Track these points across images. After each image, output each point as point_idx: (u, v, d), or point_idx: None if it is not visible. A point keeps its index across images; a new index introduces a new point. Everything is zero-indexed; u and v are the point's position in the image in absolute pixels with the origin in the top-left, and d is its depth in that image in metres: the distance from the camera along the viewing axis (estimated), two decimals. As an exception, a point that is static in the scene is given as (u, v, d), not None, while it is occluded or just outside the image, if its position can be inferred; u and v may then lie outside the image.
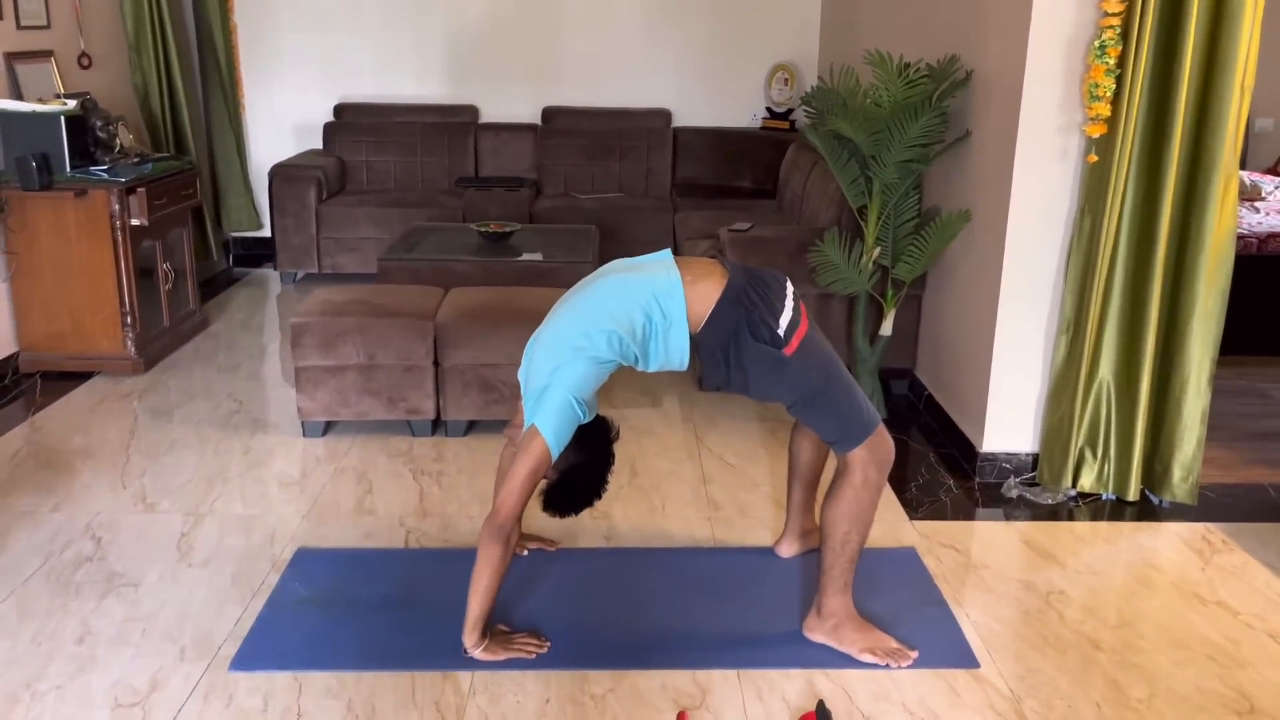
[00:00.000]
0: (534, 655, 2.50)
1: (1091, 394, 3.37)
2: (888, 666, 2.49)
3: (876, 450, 2.47)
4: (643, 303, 2.40)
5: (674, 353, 2.43)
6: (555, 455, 2.37)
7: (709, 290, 2.41)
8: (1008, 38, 3.35)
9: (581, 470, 2.48)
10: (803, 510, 2.95)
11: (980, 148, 3.62)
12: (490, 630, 2.51)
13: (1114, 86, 3.06)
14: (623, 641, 2.59)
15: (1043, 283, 3.39)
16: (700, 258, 2.56)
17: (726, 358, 2.42)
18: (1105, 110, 3.08)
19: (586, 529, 3.17)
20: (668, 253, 2.56)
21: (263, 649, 2.53)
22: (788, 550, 2.98)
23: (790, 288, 2.49)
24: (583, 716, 2.32)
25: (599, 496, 2.55)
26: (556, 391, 2.35)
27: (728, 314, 2.39)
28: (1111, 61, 3.05)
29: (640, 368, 2.47)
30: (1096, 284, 3.22)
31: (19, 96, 4.35)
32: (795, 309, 2.45)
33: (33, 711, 2.30)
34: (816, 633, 2.57)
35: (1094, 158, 3.15)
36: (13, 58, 4.38)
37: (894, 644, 2.54)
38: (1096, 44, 3.06)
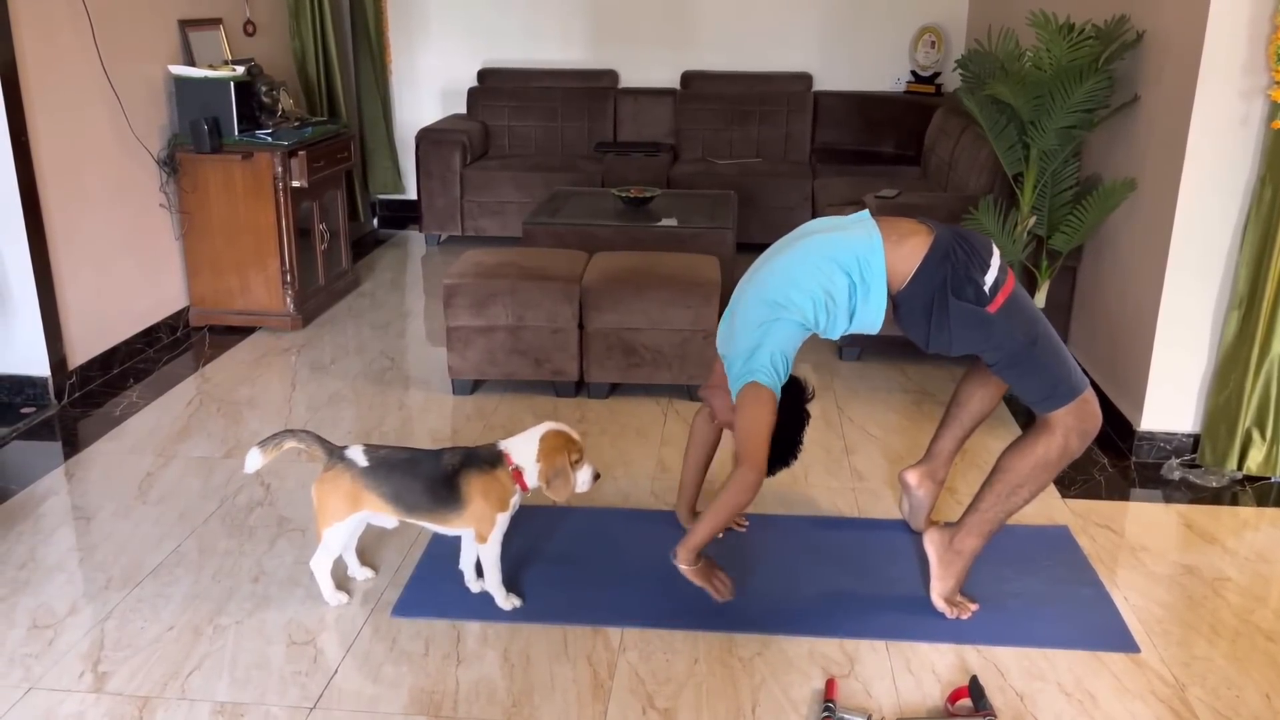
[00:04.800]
0: (721, 599, 2.55)
1: (1262, 373, 3.20)
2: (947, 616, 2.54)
3: (1084, 417, 2.41)
4: (844, 263, 2.39)
5: (870, 314, 2.43)
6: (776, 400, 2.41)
7: (915, 248, 2.39)
8: (1186, -3, 3.18)
9: (780, 430, 2.49)
10: (945, 459, 2.90)
11: (1149, 113, 3.46)
12: (704, 555, 2.56)
13: (1305, 48, 2.88)
14: (770, 606, 2.61)
15: (1214, 256, 3.23)
16: (903, 217, 2.54)
17: (929, 316, 2.40)
18: (1294, 73, 2.90)
19: (730, 494, 3.19)
20: (866, 213, 2.55)
21: (423, 597, 2.65)
22: (915, 481, 2.91)
23: (997, 249, 2.45)
24: (730, 678, 2.35)
25: (795, 456, 2.60)
26: (765, 351, 2.39)
27: (933, 271, 2.37)
28: (1304, 21, 2.87)
29: (826, 334, 2.47)
30: (1275, 257, 3.05)
31: (191, 63, 4.57)
32: (1001, 269, 2.41)
33: (216, 644, 2.46)
34: (933, 545, 2.58)
35: (1279, 124, 2.98)
36: (186, 25, 4.60)
37: (965, 602, 2.57)
38: (1287, 2, 2.88)
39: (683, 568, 2.54)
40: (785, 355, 2.42)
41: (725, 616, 2.56)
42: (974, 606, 2.56)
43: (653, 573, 2.72)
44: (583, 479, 2.54)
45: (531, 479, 2.49)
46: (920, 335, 2.46)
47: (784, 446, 2.54)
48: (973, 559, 2.56)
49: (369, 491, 2.50)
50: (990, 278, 2.37)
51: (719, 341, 2.62)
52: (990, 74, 3.81)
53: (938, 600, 2.56)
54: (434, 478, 2.50)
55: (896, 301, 2.43)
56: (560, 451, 2.48)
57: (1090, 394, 2.43)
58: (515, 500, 2.53)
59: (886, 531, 2.98)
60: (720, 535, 2.59)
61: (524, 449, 2.50)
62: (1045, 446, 2.42)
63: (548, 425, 2.53)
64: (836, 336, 2.49)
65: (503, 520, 2.52)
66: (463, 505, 2.49)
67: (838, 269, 2.39)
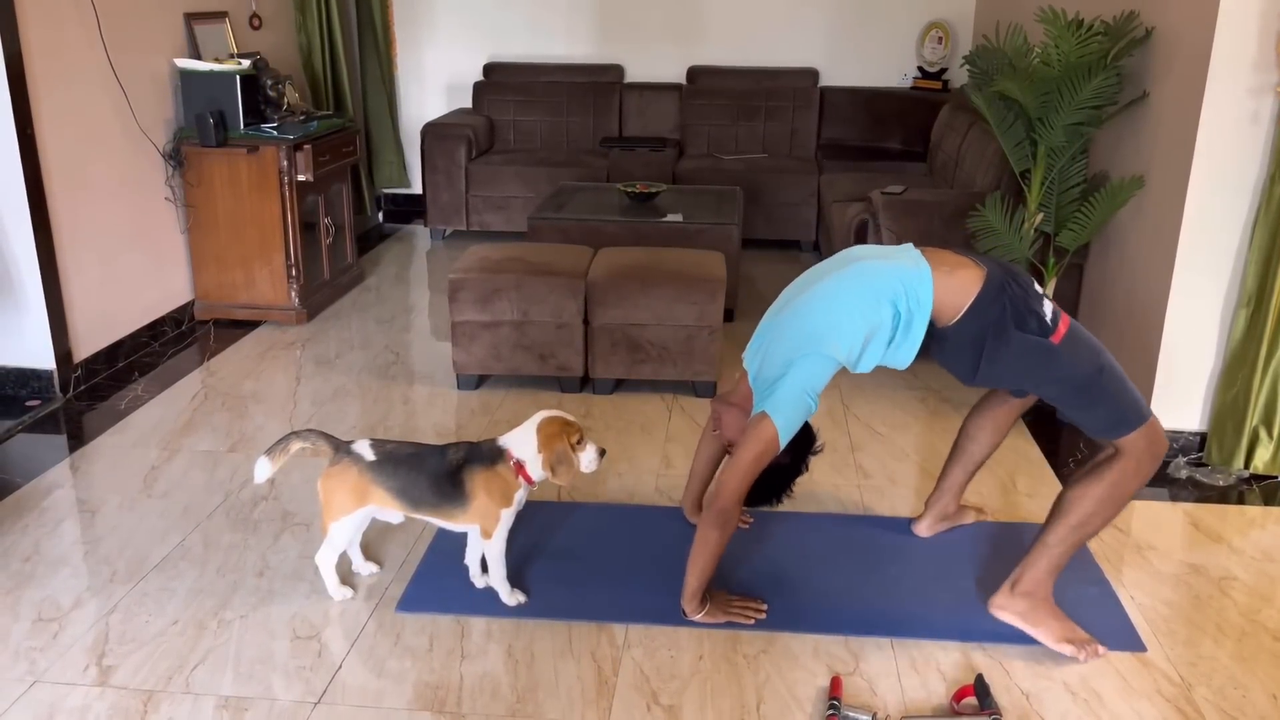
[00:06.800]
0: (752, 620, 2.50)
1: (1270, 371, 3.19)
2: (1080, 659, 2.38)
3: (1155, 440, 2.33)
4: (891, 294, 2.30)
5: (906, 349, 2.34)
6: (783, 445, 2.34)
7: (967, 281, 2.30)
8: (1196, -7, 3.16)
9: (775, 472, 2.47)
10: (955, 493, 2.88)
11: (1158, 110, 3.45)
12: (710, 594, 2.51)
13: (1316, 45, 2.87)
14: (774, 604, 2.60)
15: (1223, 254, 3.22)
16: (945, 249, 2.43)
17: (980, 349, 2.31)
18: (1305, 71, 2.89)
19: (735, 491, 3.19)
20: (910, 245, 2.45)
21: (427, 593, 2.64)
22: (927, 530, 2.92)
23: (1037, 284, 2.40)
24: (735, 675, 2.35)
25: (779, 500, 2.57)
26: (793, 383, 2.31)
27: (989, 304, 2.28)
28: (1315, 18, 2.85)
29: (857, 369, 2.38)
30: (1284, 256, 3.04)
31: (197, 56, 4.57)
32: (1053, 304, 2.34)
33: (220, 638, 2.46)
34: (1007, 611, 2.44)
35: (1289, 122, 2.97)
36: (192, 18, 4.59)
37: (1085, 635, 2.42)
38: (1298, -1, 2.87)
39: (697, 619, 2.49)
40: (813, 392, 2.33)
41: (730, 613, 2.56)
42: (1101, 649, 2.40)
43: (657, 569, 2.72)
44: (588, 459, 2.52)
45: (535, 471, 2.49)
46: (965, 368, 2.37)
47: (770, 489, 2.51)
48: (1049, 594, 2.44)
49: (375, 486, 2.50)
50: (1048, 309, 2.30)
51: (746, 357, 2.54)
52: (998, 70, 3.79)
53: (1062, 649, 2.40)
54: (439, 473, 2.50)
55: (941, 335, 2.34)
56: (558, 437, 2.47)
57: (1156, 416, 2.35)
58: (520, 496, 2.53)
59: (892, 529, 2.97)
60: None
61: (523, 442, 2.49)
62: (1120, 473, 2.32)
63: (542, 414, 2.52)
64: (868, 370, 2.39)
65: (507, 516, 2.52)
66: (467, 501, 2.49)
67: (884, 300, 2.30)
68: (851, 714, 2.17)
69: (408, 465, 2.52)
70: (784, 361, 2.35)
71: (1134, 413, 2.33)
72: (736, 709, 2.24)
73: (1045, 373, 2.34)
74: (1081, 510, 2.36)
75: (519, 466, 2.48)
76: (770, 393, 2.35)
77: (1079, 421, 2.42)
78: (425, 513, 2.55)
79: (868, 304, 2.31)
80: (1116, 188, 3.55)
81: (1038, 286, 2.36)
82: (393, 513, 2.57)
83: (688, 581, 2.47)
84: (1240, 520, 3.06)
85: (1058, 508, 2.41)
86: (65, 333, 3.84)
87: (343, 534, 2.55)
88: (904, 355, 2.36)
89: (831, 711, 2.16)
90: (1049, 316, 2.30)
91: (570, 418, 2.53)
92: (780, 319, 2.45)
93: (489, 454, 2.50)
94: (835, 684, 2.27)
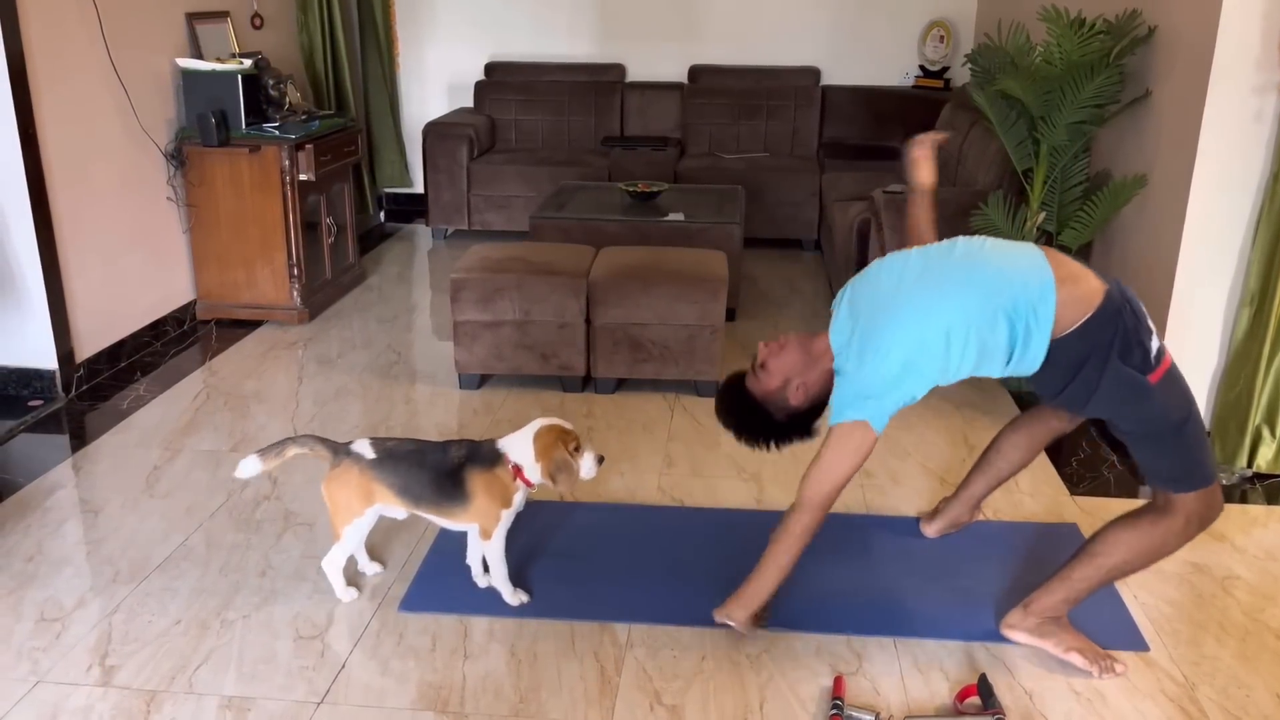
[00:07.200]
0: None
1: (1273, 370, 3.19)
2: (1093, 674, 2.34)
3: (1211, 505, 2.24)
4: (1010, 309, 2.13)
5: (1028, 361, 2.17)
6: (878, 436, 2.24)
7: (1087, 296, 2.13)
8: (1199, -9, 3.16)
9: (796, 420, 2.40)
10: (971, 505, 2.85)
11: (1160, 109, 3.44)
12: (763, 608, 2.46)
13: (1319, 43, 2.87)
14: (776, 603, 2.59)
15: (1225, 252, 3.22)
16: (1066, 257, 2.25)
17: (1076, 371, 2.14)
18: (1308, 69, 2.89)
19: (736, 490, 3.19)
20: (1033, 245, 2.29)
21: (430, 592, 2.64)
22: (935, 532, 2.90)
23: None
24: (738, 675, 2.35)
25: (772, 447, 2.45)
26: (889, 397, 2.20)
27: (1102, 328, 2.11)
28: (1318, 16, 2.85)
29: (946, 380, 2.23)
30: (1287, 255, 3.03)
31: (199, 55, 4.56)
32: (1159, 341, 2.18)
33: (223, 638, 2.46)
34: (1017, 630, 2.41)
35: (1292, 120, 2.96)
36: (193, 18, 4.59)
37: (1102, 651, 2.37)
38: (1301, -3, 2.87)
39: (738, 628, 2.43)
40: (907, 403, 2.23)
41: (733, 613, 2.56)
42: (1120, 666, 2.36)
43: (660, 568, 2.72)
44: (587, 466, 2.51)
45: (534, 475, 2.48)
46: (1052, 387, 2.22)
47: (778, 434, 2.42)
48: (1062, 615, 2.39)
49: (378, 484, 2.50)
50: (1154, 345, 2.15)
51: (837, 319, 2.33)
52: (1000, 69, 3.79)
53: (1071, 659, 2.36)
54: (440, 471, 2.50)
55: (1050, 347, 2.16)
56: (555, 445, 2.47)
57: (1220, 484, 2.27)
58: (519, 498, 2.53)
59: (894, 528, 2.97)
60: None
61: (520, 447, 2.48)
62: (1166, 530, 2.24)
63: (539, 422, 2.51)
64: (950, 382, 2.25)
65: (506, 517, 2.52)
66: (467, 501, 2.49)
67: (1002, 316, 2.13)
68: (855, 714, 2.17)
69: (409, 462, 2.51)
70: (881, 367, 2.19)
71: (1201, 473, 2.23)
72: (739, 708, 2.24)
73: (1131, 409, 2.20)
74: (1116, 556, 2.29)
75: (517, 470, 2.48)
76: (864, 393, 2.21)
77: (1144, 463, 2.32)
78: (426, 510, 2.55)
79: (984, 321, 2.14)
80: (1119, 186, 3.55)
81: (1149, 320, 2.20)
82: (397, 509, 2.57)
83: (752, 587, 2.39)
84: (1243, 519, 3.06)
85: (1092, 545, 2.33)
86: (67, 332, 3.84)
87: (355, 536, 2.55)
88: (1028, 365, 2.19)
89: (835, 711, 2.16)
90: (1154, 353, 2.14)
91: (567, 425, 2.52)
92: (883, 306, 2.24)
93: (488, 456, 2.50)
94: (839, 683, 2.27)
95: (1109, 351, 2.11)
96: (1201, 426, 2.26)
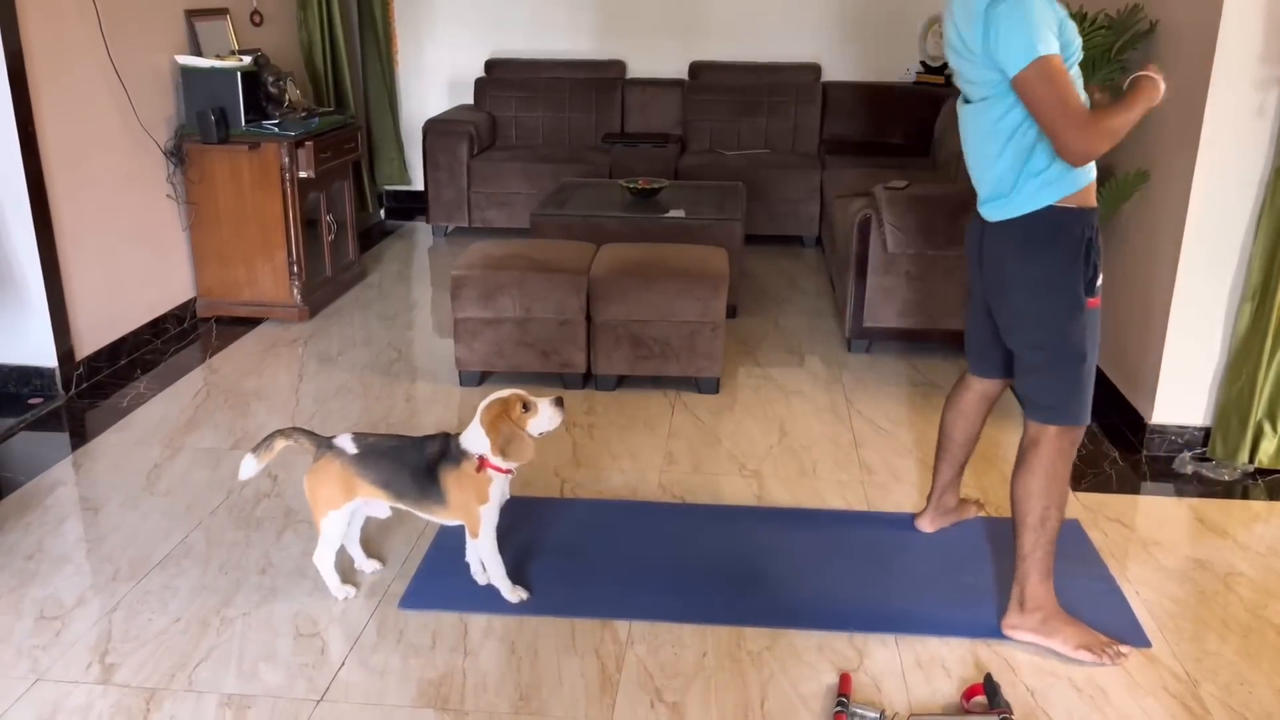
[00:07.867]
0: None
1: (1275, 365, 3.18)
2: (1103, 664, 2.35)
3: (1073, 442, 2.38)
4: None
5: (1029, 169, 2.27)
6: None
7: (1086, 195, 2.27)
8: (1201, -14, 3.14)
9: None
10: (949, 489, 2.87)
11: (1162, 104, 3.42)
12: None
13: (1322, 37, 2.85)
14: (778, 600, 2.60)
15: (1228, 248, 3.20)
16: None
17: (1030, 256, 2.27)
18: (1310, 63, 2.87)
19: (737, 487, 3.18)
20: None
21: (430, 589, 2.64)
22: (930, 525, 2.91)
23: None
24: (739, 672, 2.34)
25: None
26: (1023, 31, 2.13)
27: (1083, 227, 2.24)
28: (1320, 10, 2.83)
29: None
30: (1289, 250, 3.02)
31: (198, 53, 4.56)
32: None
33: (223, 636, 2.45)
34: (1020, 630, 2.42)
35: (1294, 115, 2.95)
36: (192, 15, 4.58)
37: (1105, 639, 2.39)
38: (1304, -9, 2.85)
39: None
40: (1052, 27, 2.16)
41: (732, 609, 2.55)
42: (1124, 649, 2.38)
43: (660, 565, 2.72)
44: (546, 417, 2.46)
45: (500, 460, 2.45)
46: (997, 267, 2.34)
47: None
48: (1054, 600, 2.41)
49: (360, 478, 2.49)
50: (1099, 282, 2.29)
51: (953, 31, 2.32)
52: (1001, 64, 3.77)
53: (1080, 656, 2.36)
54: (418, 467, 2.49)
55: (1023, 222, 2.26)
56: (501, 417, 2.42)
57: (1084, 428, 2.39)
58: (496, 490, 2.49)
59: (895, 525, 2.96)
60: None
61: (475, 437, 2.46)
62: (1042, 460, 2.35)
63: (483, 402, 2.48)
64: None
65: (488, 512, 2.50)
66: (444, 498, 2.48)
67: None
68: (860, 711, 2.16)
69: (390, 457, 2.51)
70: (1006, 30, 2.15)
71: (1077, 407, 2.34)
72: (740, 705, 2.23)
73: (1050, 324, 2.30)
74: (1035, 508, 2.37)
75: (483, 461, 2.46)
76: (1009, 49, 2.15)
77: (1029, 387, 2.39)
78: (409, 505, 2.54)
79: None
80: (1121, 182, 3.54)
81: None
82: (380, 505, 2.57)
83: (1120, 119, 2.25)
84: (1245, 515, 3.05)
85: (1014, 516, 2.42)
86: (67, 330, 3.84)
87: (335, 529, 2.54)
88: (1028, 173, 2.26)
89: (840, 708, 2.16)
90: (1098, 282, 2.28)
91: (512, 392, 2.46)
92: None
93: (455, 453, 2.48)
94: (844, 681, 2.26)
95: (1078, 249, 2.24)
96: (1092, 371, 2.36)
